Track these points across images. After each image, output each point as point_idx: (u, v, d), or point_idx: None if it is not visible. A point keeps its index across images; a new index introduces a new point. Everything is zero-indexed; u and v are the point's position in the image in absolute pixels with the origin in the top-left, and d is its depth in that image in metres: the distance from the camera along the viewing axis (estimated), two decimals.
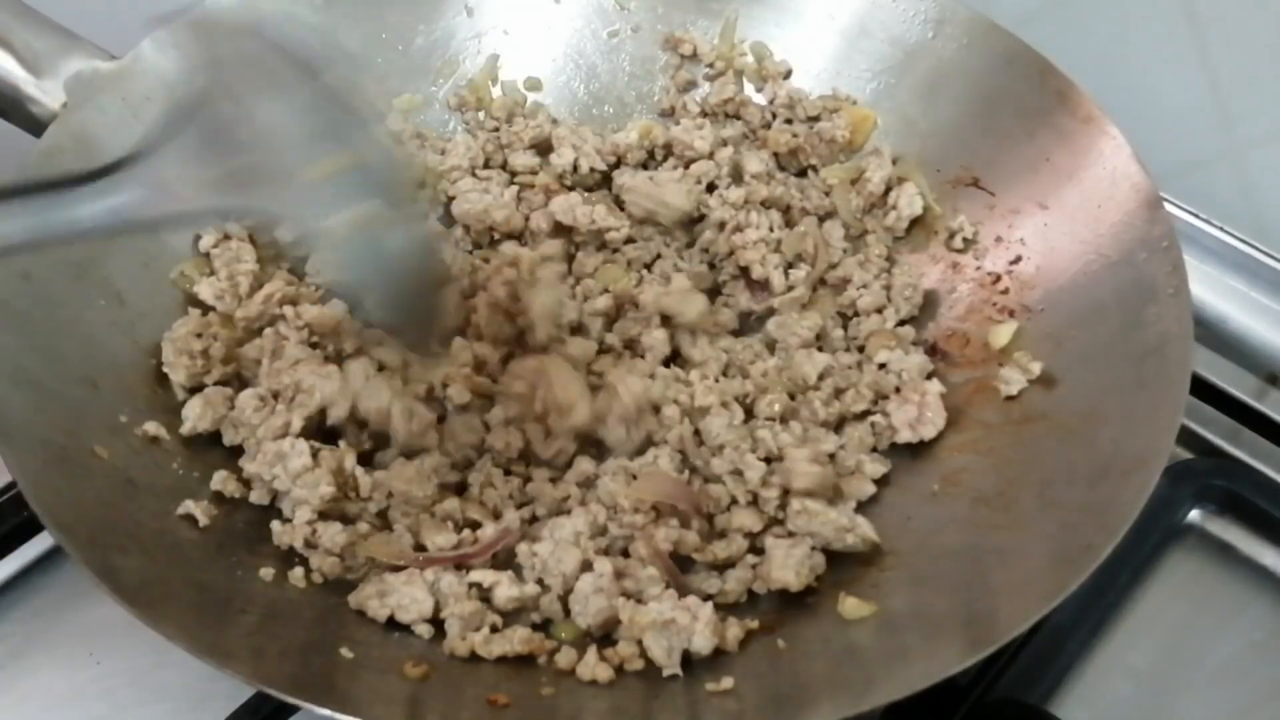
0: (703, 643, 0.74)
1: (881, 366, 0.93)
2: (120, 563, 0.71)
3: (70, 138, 0.87)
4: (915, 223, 1.00)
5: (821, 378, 0.91)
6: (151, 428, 0.83)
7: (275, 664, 0.70)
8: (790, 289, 0.96)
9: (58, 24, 0.83)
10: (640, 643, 0.75)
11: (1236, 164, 1.14)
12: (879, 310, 0.96)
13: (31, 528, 0.86)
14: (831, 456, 0.87)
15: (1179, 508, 0.93)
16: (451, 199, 1.01)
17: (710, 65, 1.09)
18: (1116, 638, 0.87)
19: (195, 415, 0.84)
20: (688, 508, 0.82)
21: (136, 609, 0.67)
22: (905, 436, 0.88)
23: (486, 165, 1.04)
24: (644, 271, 0.99)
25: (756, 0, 1.08)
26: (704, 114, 1.08)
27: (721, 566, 0.82)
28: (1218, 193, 1.13)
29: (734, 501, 0.84)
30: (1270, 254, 1.06)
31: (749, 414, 0.89)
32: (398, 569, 0.80)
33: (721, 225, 0.99)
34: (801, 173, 1.05)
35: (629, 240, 1.00)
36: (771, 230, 0.99)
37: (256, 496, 0.83)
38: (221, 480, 0.82)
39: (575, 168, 1.03)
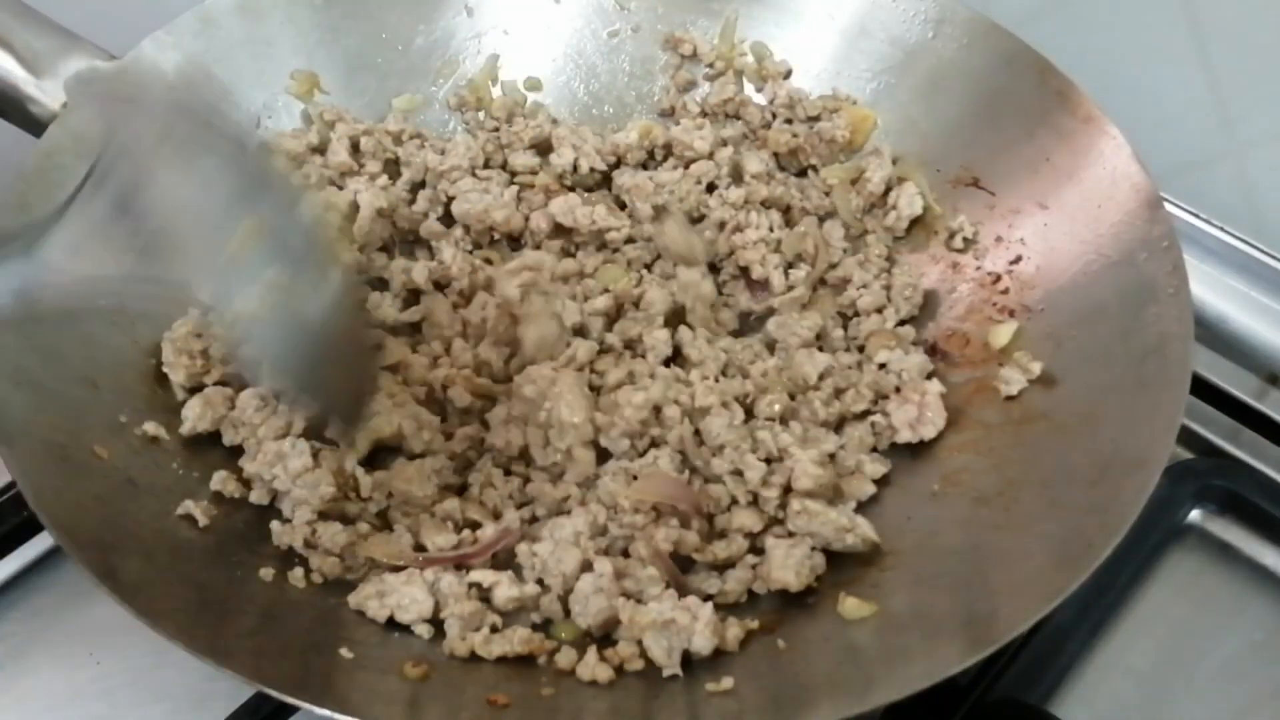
0: (703, 643, 0.74)
1: (881, 366, 0.92)
2: (120, 563, 0.71)
3: (70, 138, 0.87)
4: (915, 223, 1.00)
5: (822, 378, 0.91)
6: (151, 428, 0.83)
7: (275, 664, 0.70)
8: (790, 289, 0.96)
9: (58, 24, 0.83)
10: (640, 643, 0.75)
11: (1236, 164, 1.14)
12: (879, 310, 0.96)
13: (31, 528, 0.86)
14: (832, 456, 0.87)
15: (1179, 508, 0.93)
16: (451, 199, 1.01)
17: (710, 65, 1.09)
18: (1116, 638, 0.87)
19: (195, 415, 0.84)
20: (688, 508, 0.82)
21: (136, 609, 0.67)
22: (905, 436, 0.88)
23: (486, 165, 1.04)
24: (644, 271, 0.99)
25: (756, 0, 1.08)
26: (704, 114, 1.08)
27: (721, 566, 0.82)
28: (1218, 193, 1.13)
29: (734, 501, 0.84)
30: (1270, 254, 1.06)
31: (749, 414, 0.89)
32: (398, 569, 0.80)
33: (721, 225, 0.99)
34: (801, 173, 1.05)
35: (629, 240, 1.00)
36: (771, 230, 0.99)
37: (256, 496, 0.83)
38: (221, 480, 0.82)
39: (575, 168, 1.03)
